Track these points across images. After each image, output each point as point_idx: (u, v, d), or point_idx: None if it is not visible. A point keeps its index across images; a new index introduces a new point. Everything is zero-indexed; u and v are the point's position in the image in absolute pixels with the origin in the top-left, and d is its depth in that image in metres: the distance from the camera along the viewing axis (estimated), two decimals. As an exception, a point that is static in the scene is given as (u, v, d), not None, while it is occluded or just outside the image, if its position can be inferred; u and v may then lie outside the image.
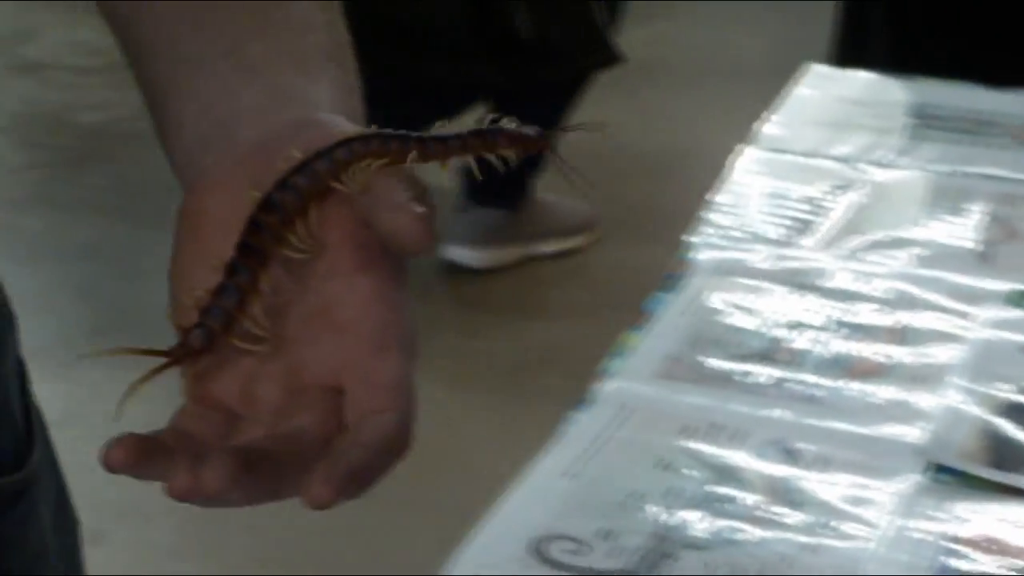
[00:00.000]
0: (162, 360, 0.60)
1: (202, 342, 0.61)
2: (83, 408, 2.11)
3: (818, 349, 1.03)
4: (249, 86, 0.67)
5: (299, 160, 0.61)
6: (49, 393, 1.01)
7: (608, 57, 2.71)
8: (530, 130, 0.66)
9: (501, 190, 2.75)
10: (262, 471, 0.58)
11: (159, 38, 0.72)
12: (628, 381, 0.96)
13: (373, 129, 0.63)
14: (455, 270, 2.71)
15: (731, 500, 0.89)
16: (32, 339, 0.99)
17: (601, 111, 2.77)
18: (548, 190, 2.75)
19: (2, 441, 0.90)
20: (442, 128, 0.65)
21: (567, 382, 2.44)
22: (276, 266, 0.61)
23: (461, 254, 2.74)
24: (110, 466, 0.56)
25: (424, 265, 2.70)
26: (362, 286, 0.60)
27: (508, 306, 2.68)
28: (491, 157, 0.66)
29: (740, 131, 1.24)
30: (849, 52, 2.04)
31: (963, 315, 1.08)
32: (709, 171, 1.19)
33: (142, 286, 2.57)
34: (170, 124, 0.70)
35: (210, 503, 0.58)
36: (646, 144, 3.18)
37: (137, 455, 0.56)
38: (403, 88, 2.57)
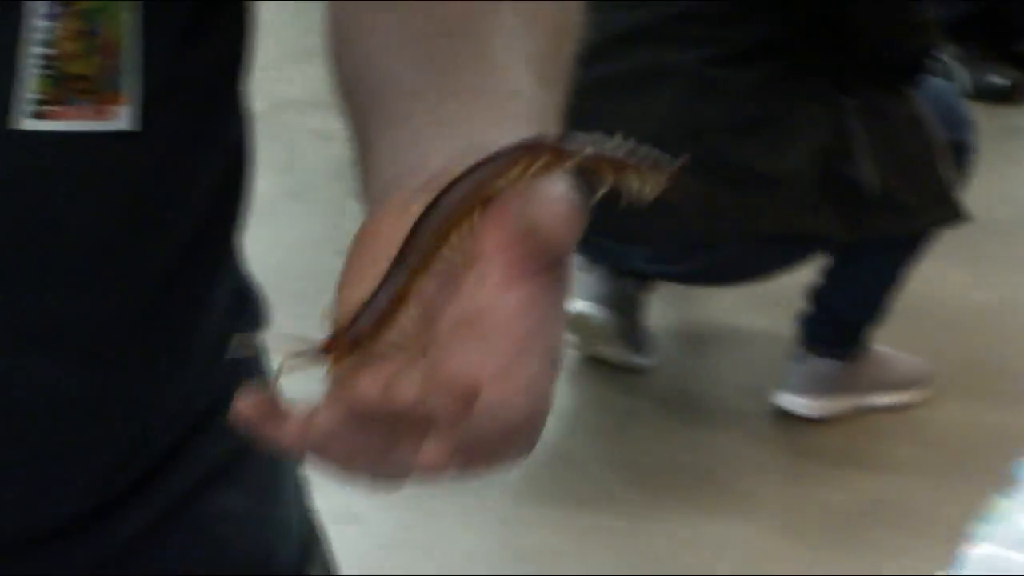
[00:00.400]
0: (312, 353, 0.62)
1: (351, 338, 0.62)
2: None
3: None
4: (445, 139, 0.68)
5: (458, 171, 0.62)
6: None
7: (954, 214, 2.67)
8: (667, 161, 0.63)
9: (838, 340, 2.76)
10: (377, 429, 0.60)
11: (371, 87, 0.74)
12: (999, 548, 0.95)
13: (529, 136, 0.63)
14: (788, 418, 2.71)
15: None
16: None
17: (935, 261, 2.76)
18: (883, 342, 2.74)
19: (281, 554, 0.94)
20: (596, 140, 0.64)
21: (897, 537, 2.41)
22: (431, 273, 0.62)
23: (794, 402, 2.74)
24: (240, 410, 0.60)
25: (756, 412, 2.72)
26: (512, 294, 0.61)
27: (839, 456, 2.66)
28: (638, 184, 0.64)
29: None
30: None
31: None
32: None
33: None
34: (367, 169, 0.71)
35: (318, 447, 0.60)
36: (982, 298, 3.13)
37: (263, 405, 0.60)
38: (743, 235, 2.61)
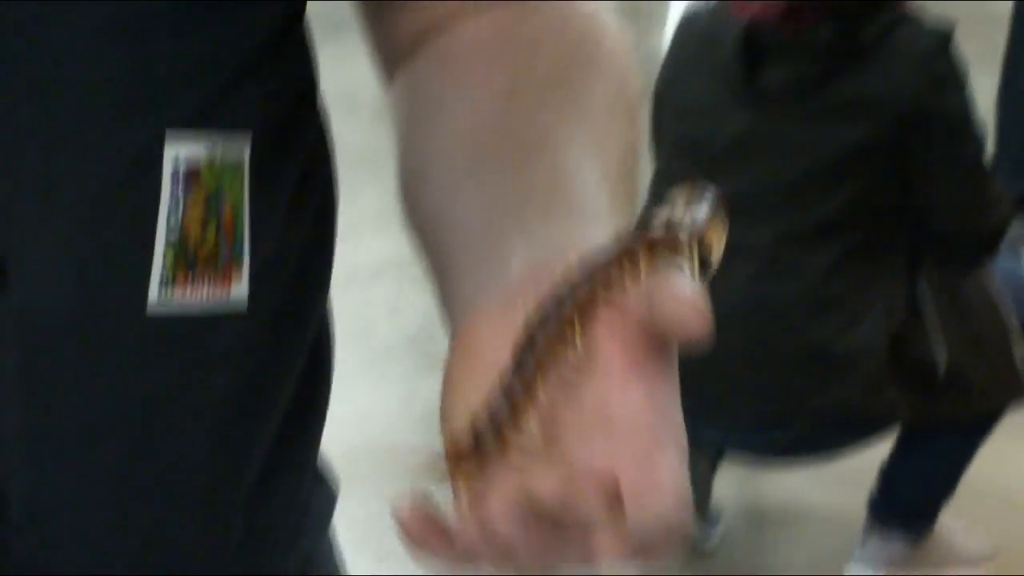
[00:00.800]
0: (439, 467, 0.62)
1: (477, 448, 0.62)
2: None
3: None
4: (529, 250, 0.69)
5: (567, 272, 0.63)
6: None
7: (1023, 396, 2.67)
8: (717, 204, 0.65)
9: (908, 518, 2.73)
10: (544, 526, 0.60)
11: (451, 213, 0.76)
12: None
13: (631, 232, 0.64)
14: (857, 594, 2.69)
15: None
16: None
17: (1003, 439, 2.74)
18: (949, 516, 2.72)
19: None
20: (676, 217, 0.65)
21: None
22: (551, 374, 0.62)
23: (864, 578, 2.73)
24: (402, 521, 0.60)
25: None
26: (635, 388, 0.62)
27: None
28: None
29: None
30: None
31: None
32: None
33: None
34: (451, 288, 0.73)
35: (496, 549, 0.60)
36: None
37: (425, 520, 0.60)
38: (813, 414, 2.60)
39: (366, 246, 3.74)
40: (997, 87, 4.08)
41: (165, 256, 0.76)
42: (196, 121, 0.75)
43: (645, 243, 0.63)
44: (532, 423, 0.63)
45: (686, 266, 0.63)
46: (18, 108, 0.70)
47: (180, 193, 0.75)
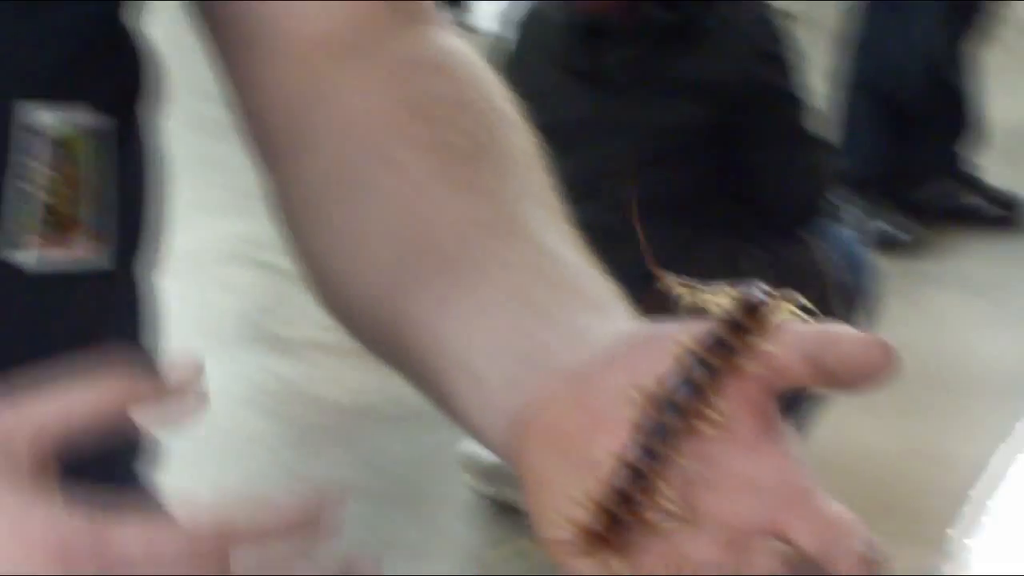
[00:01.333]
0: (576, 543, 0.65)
1: (604, 525, 0.64)
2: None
3: None
4: (546, 328, 0.72)
5: (687, 343, 0.65)
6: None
7: None
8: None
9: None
10: None
11: (430, 307, 0.78)
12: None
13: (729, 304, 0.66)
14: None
15: None
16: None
17: (839, 410, 2.95)
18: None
19: None
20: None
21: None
22: (681, 445, 0.65)
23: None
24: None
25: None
26: (767, 448, 0.65)
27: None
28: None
29: (987, 438, 1.23)
30: None
31: None
32: (958, 476, 1.17)
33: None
34: (462, 382, 0.74)
35: None
36: (885, 447, 3.33)
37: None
38: None
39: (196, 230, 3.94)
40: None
41: (27, 218, 0.82)
42: (45, 97, 0.81)
43: (746, 310, 0.65)
44: (669, 491, 0.65)
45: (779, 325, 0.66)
46: None
47: (40, 157, 0.81)
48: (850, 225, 3.90)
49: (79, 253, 0.85)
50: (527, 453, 0.69)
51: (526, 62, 3.06)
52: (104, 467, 0.84)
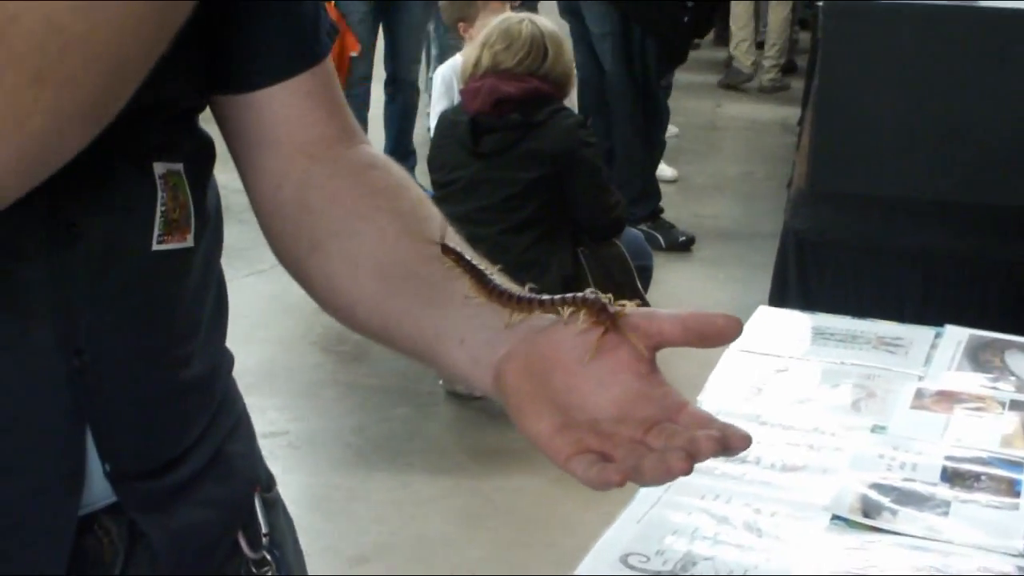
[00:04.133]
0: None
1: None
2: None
3: (768, 456, 1.46)
4: (498, 314, 0.96)
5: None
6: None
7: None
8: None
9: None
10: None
11: (425, 307, 1.02)
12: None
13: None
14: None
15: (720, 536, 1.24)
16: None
17: None
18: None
19: (263, 477, 1.20)
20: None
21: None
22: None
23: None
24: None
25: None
26: (656, 379, 0.90)
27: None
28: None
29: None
30: (778, 300, 2.78)
31: (844, 437, 1.52)
32: (694, 364, 1.48)
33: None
34: (453, 347, 0.99)
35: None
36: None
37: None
38: None
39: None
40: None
41: (160, 222, 1.01)
42: (158, 154, 1.01)
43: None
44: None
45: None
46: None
47: (163, 189, 1.01)
48: (645, 234, 5.35)
49: (179, 240, 1.03)
50: (509, 388, 0.92)
51: (440, 145, 4.14)
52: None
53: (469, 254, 0.99)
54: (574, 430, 0.91)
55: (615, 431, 0.90)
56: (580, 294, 0.93)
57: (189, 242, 1.05)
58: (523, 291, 0.97)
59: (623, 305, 0.92)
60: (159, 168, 1.02)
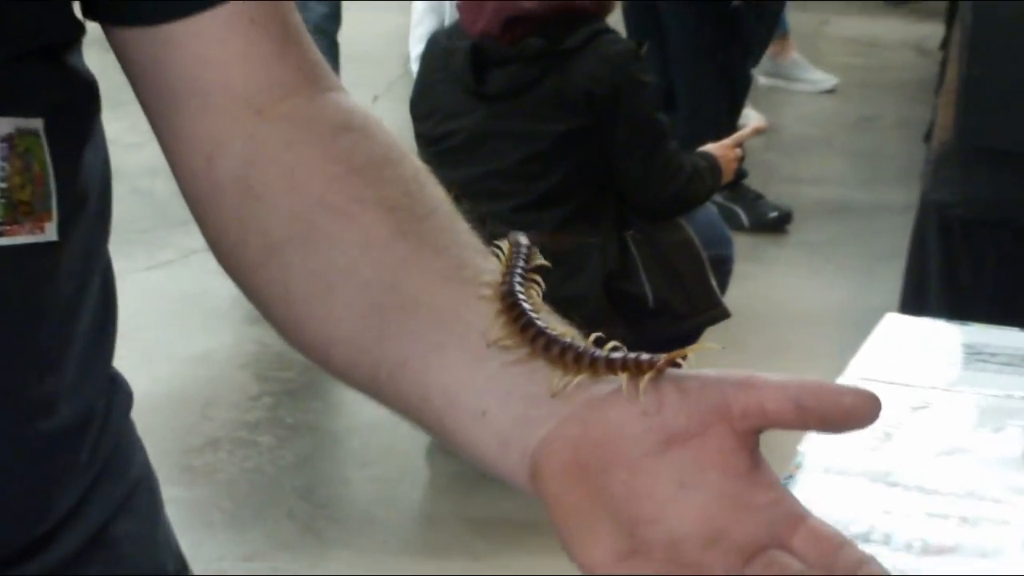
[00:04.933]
0: None
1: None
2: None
3: (903, 532, 1.45)
4: (537, 372, 0.97)
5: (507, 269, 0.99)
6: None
7: (719, 314, 4.20)
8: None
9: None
10: None
11: (425, 354, 1.02)
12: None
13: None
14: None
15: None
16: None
17: (708, 352, 4.27)
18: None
19: (169, 567, 1.25)
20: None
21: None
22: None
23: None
24: None
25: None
26: (761, 478, 0.93)
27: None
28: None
29: (825, 367, 1.64)
30: (913, 304, 2.94)
31: (1013, 504, 1.51)
32: None
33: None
34: (468, 420, 0.99)
35: None
36: None
37: None
38: None
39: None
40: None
41: None
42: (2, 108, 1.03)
43: (519, 250, 0.99)
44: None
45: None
46: None
47: (5, 159, 1.03)
48: (723, 210, 5.44)
49: (32, 231, 1.06)
50: (550, 494, 0.94)
51: (428, 84, 4.19)
52: None
53: (527, 295, 1.00)
54: (645, 559, 0.92)
55: (703, 559, 0.91)
56: (649, 357, 0.94)
57: (50, 234, 1.07)
58: (581, 340, 0.97)
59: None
60: (0, 127, 1.04)
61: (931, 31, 8.21)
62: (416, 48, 4.90)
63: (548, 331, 0.98)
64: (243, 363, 4.78)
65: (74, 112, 1.11)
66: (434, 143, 4.20)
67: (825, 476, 1.52)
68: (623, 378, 0.94)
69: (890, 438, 1.66)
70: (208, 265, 1.15)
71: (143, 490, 1.24)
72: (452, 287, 1.02)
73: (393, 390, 1.04)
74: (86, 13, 1.12)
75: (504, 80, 4.11)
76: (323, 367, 1.09)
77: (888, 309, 2.07)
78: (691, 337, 4.21)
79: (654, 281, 4.14)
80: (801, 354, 4.79)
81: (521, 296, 0.99)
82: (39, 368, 1.10)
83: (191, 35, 1.11)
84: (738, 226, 5.69)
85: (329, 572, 3.83)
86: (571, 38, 4.07)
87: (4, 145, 1.05)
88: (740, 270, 4.92)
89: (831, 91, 7.95)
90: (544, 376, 0.97)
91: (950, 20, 6.24)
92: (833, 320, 4.96)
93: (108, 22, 1.12)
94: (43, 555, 1.12)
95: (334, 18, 6.25)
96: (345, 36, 6.33)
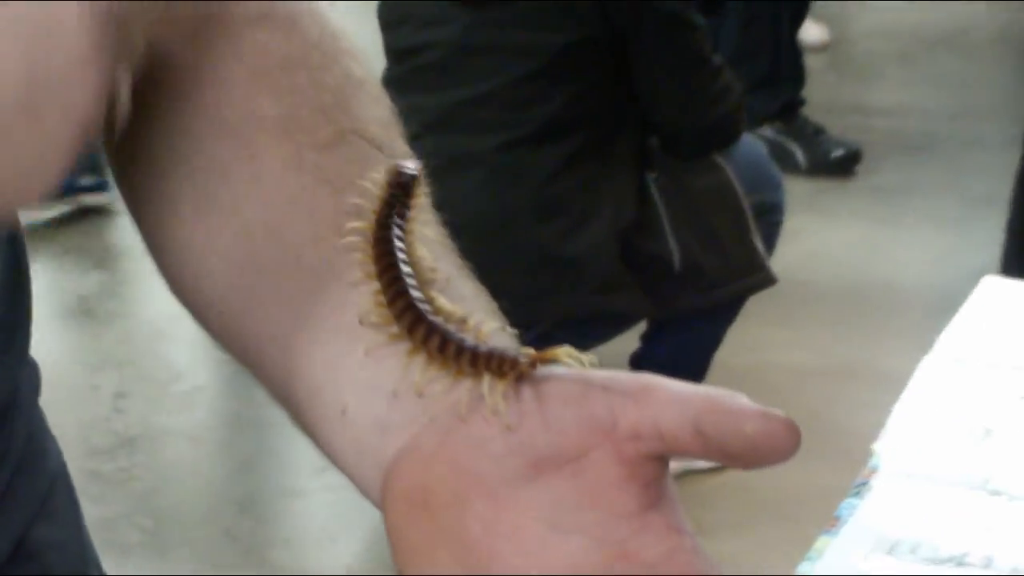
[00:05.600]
0: None
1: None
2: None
3: (1008, 554, 1.43)
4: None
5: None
6: None
7: (762, 280, 4.16)
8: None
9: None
10: None
11: (290, 327, 1.02)
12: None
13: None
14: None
15: None
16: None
17: (753, 324, 4.17)
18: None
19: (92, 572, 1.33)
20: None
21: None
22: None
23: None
24: None
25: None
26: (654, 521, 0.89)
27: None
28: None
29: (901, 343, 1.87)
30: (1017, 264, 3.05)
31: None
32: (866, 385, 2.01)
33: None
34: (329, 417, 0.99)
35: None
36: (800, 359, 4.56)
37: None
38: (560, 316, 3.96)
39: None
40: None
41: None
42: None
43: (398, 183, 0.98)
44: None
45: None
46: None
47: None
48: (774, 149, 5.48)
49: None
50: (394, 514, 0.93)
51: None
52: None
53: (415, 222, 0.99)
54: None
55: None
56: (509, 352, 0.92)
57: None
58: (473, 319, 0.96)
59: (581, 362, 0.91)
60: None
61: None
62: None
63: (418, 303, 0.95)
64: (162, 335, 4.83)
65: None
66: (405, 58, 4.22)
67: (908, 483, 1.52)
68: (486, 379, 0.91)
69: (990, 435, 1.64)
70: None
71: (61, 490, 1.27)
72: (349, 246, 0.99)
73: (263, 375, 1.05)
74: None
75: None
76: (196, 319, 1.11)
77: (986, 271, 2.06)
78: (727, 310, 4.26)
79: (682, 237, 4.15)
80: (873, 332, 4.80)
81: (397, 254, 0.96)
82: None
83: None
84: (792, 167, 5.73)
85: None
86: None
87: None
88: (793, 223, 4.83)
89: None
90: (421, 366, 0.94)
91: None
92: (915, 286, 5.01)
93: None
94: None
95: None
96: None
